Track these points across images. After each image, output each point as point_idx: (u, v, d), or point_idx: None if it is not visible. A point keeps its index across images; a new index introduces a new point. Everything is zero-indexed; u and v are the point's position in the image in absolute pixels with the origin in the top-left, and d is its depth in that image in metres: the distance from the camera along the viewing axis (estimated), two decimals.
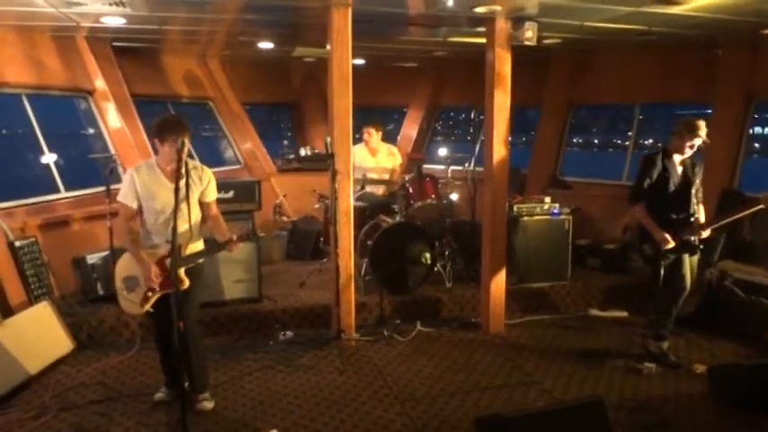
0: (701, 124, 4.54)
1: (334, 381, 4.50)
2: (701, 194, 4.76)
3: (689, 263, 4.67)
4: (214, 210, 4.02)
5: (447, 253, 6.36)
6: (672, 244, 4.49)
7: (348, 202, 5.09)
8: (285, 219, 5.85)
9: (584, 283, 6.31)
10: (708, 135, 4.58)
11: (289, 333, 5.31)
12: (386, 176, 6.78)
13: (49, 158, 6.41)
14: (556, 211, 6.27)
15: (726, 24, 5.37)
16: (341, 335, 5.11)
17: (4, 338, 4.34)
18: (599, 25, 5.62)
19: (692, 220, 4.63)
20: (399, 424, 3.86)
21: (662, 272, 4.65)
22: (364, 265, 5.90)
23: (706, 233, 4.59)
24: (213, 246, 3.94)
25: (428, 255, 5.91)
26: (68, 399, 4.17)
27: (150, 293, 3.82)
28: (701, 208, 4.77)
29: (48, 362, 4.62)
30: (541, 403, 4.14)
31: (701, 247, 4.67)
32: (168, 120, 3.85)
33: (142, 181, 3.81)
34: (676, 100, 7.65)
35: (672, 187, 4.63)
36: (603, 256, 6.83)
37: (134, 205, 3.83)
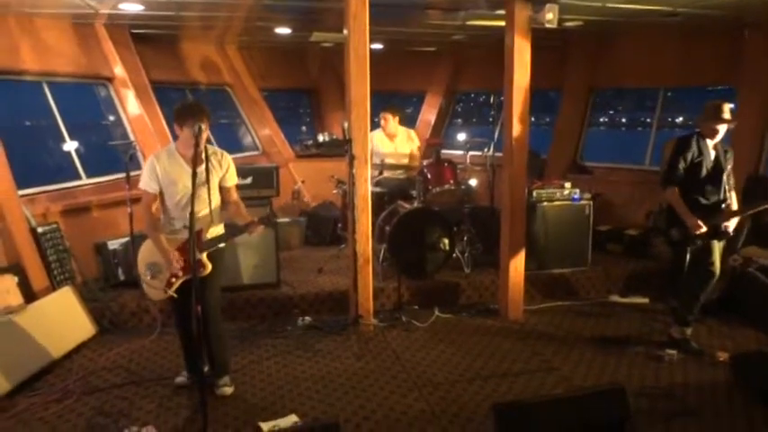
0: (725, 108, 4.42)
1: (352, 366, 4.51)
2: (732, 181, 4.65)
3: (718, 249, 4.58)
4: (234, 195, 4.03)
5: (465, 239, 6.32)
6: (704, 229, 4.37)
7: (366, 188, 5.07)
8: (305, 200, 5.87)
9: (604, 269, 6.25)
10: (733, 119, 4.47)
11: (307, 318, 5.34)
12: (404, 161, 6.75)
13: (70, 146, 6.48)
14: (576, 196, 6.19)
15: (752, 4, 5.22)
16: (359, 320, 5.12)
17: (27, 323, 4.41)
18: (622, 6, 5.50)
19: (723, 206, 4.53)
20: (417, 409, 3.86)
21: (687, 257, 4.57)
22: (382, 251, 5.89)
23: (736, 221, 4.49)
24: (234, 229, 3.95)
25: (446, 240, 5.88)
26: (91, 382, 4.23)
27: (174, 279, 3.85)
28: (734, 195, 4.66)
29: (71, 346, 4.69)
30: (560, 390, 4.11)
31: (731, 234, 4.57)
32: (188, 105, 3.86)
33: (163, 167, 3.83)
34: (700, 83, 7.48)
35: (704, 172, 4.51)
36: (625, 241, 6.75)
37: (155, 192, 3.85)
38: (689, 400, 4.00)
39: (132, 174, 5.57)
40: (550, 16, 5.02)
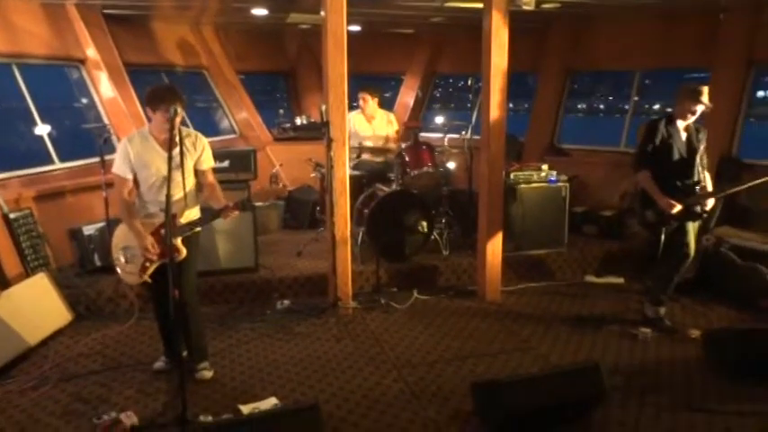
0: (704, 90, 4.47)
1: (332, 348, 4.53)
2: (705, 161, 4.71)
3: (692, 230, 4.65)
4: (210, 177, 3.98)
5: (444, 221, 6.35)
6: (678, 207, 4.43)
7: (344, 171, 5.06)
8: (282, 184, 5.83)
9: (580, 250, 6.33)
10: (710, 102, 4.53)
11: (286, 302, 5.34)
12: (382, 144, 6.73)
13: (42, 130, 6.35)
14: (553, 178, 6.25)
15: None
16: (338, 303, 5.13)
17: (1, 310, 4.34)
18: None
19: (698, 188, 4.60)
20: (396, 390, 3.90)
21: (662, 238, 4.65)
22: (361, 234, 5.90)
23: (711, 201, 4.56)
24: (209, 214, 3.92)
25: (425, 223, 5.90)
26: (68, 369, 4.20)
27: (148, 263, 3.82)
28: (707, 175, 4.73)
29: (46, 333, 4.64)
30: (537, 369, 4.18)
31: (705, 215, 4.65)
32: (160, 88, 3.80)
33: (136, 150, 3.78)
34: (676, 66, 7.56)
35: (676, 154, 4.57)
36: (600, 223, 6.83)
37: (129, 176, 3.80)
38: (662, 376, 4.10)
39: (107, 157, 5.48)
40: None
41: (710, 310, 5.26)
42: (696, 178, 4.63)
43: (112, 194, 4.71)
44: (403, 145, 6.35)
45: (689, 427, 3.47)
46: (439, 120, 8.00)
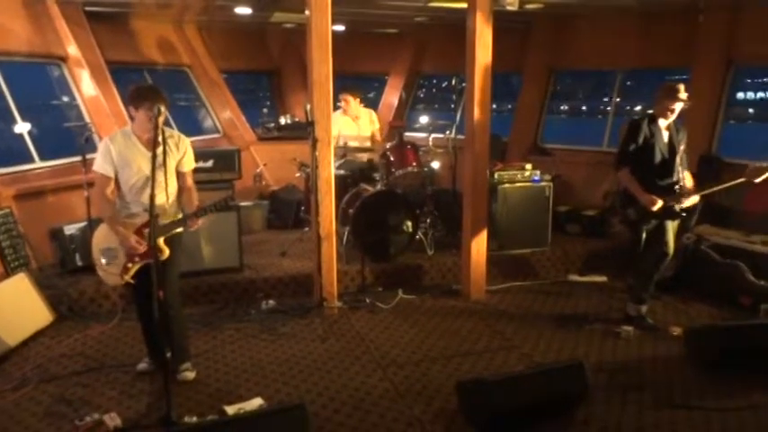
0: (681, 87, 4.53)
1: (317, 348, 4.52)
2: (685, 160, 4.78)
3: (672, 228, 4.71)
4: (189, 181, 3.96)
5: (428, 221, 6.37)
6: (660, 203, 4.47)
7: (329, 171, 5.05)
8: (265, 183, 5.82)
9: (563, 249, 6.37)
10: (688, 99, 4.58)
11: (271, 302, 5.31)
12: (367, 144, 6.73)
13: (22, 128, 6.26)
14: (536, 178, 6.28)
15: None
16: (323, 303, 5.12)
17: None
18: None
19: (678, 187, 4.65)
20: (382, 389, 3.90)
21: (643, 236, 4.70)
22: (346, 234, 5.89)
23: (691, 200, 4.62)
24: (184, 216, 3.88)
25: (409, 223, 5.91)
26: (49, 370, 4.14)
27: (130, 264, 3.78)
28: (688, 174, 4.79)
29: (27, 334, 4.57)
30: (522, 367, 4.20)
31: (685, 213, 4.71)
32: (143, 87, 3.79)
33: (118, 150, 3.74)
34: (657, 66, 7.66)
35: (658, 153, 4.62)
36: (583, 222, 6.88)
37: (110, 175, 3.76)
38: (645, 373, 4.14)
39: (88, 156, 5.41)
40: None
41: (691, 307, 5.33)
42: (676, 177, 4.69)
43: (93, 194, 4.66)
44: (388, 145, 6.36)
45: (671, 423, 3.51)
46: (423, 119, 8.02)
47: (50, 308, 4.90)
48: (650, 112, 4.72)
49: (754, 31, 6.42)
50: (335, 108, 5.53)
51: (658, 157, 4.63)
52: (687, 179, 4.75)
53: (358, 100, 6.68)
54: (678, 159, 4.68)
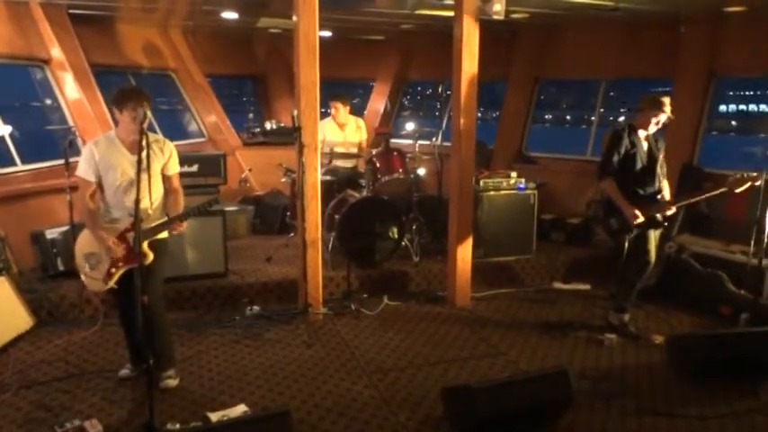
0: (666, 100, 4.60)
1: (302, 354, 4.50)
2: (665, 169, 4.84)
3: (653, 238, 4.76)
4: (176, 183, 3.95)
5: (414, 227, 6.37)
6: (641, 219, 4.53)
7: (315, 176, 5.05)
8: (250, 187, 5.78)
9: (548, 257, 6.42)
10: (671, 111, 4.65)
11: (255, 308, 5.27)
12: (354, 150, 6.74)
13: (3, 130, 6.18)
14: (521, 186, 6.33)
15: (687, 1, 5.42)
16: (308, 309, 5.10)
17: None
18: (567, 0, 5.63)
19: (659, 197, 4.71)
20: (367, 396, 3.89)
21: (626, 246, 4.75)
22: (331, 240, 5.88)
23: (672, 210, 4.67)
24: (168, 219, 3.85)
25: (395, 229, 5.92)
26: (29, 376, 4.07)
27: (114, 269, 3.74)
28: (666, 183, 4.85)
29: (6, 339, 4.50)
30: (507, 374, 4.22)
31: (666, 223, 4.76)
32: (127, 89, 3.79)
33: (101, 153, 3.72)
34: (640, 76, 7.76)
35: (639, 163, 4.67)
36: (567, 230, 6.93)
37: (92, 179, 3.74)
38: (628, 380, 4.17)
39: (71, 160, 5.34)
40: (498, 8, 5.08)
41: (673, 316, 5.38)
42: (656, 187, 4.75)
43: (77, 198, 4.61)
44: (374, 151, 6.37)
45: (654, 429, 3.55)
46: (410, 126, 8.04)
47: (31, 312, 4.82)
48: (630, 123, 4.77)
49: (735, 43, 6.53)
50: (323, 114, 5.53)
51: (639, 167, 4.69)
52: (665, 188, 4.82)
53: (347, 108, 6.71)
54: (658, 168, 4.74)
